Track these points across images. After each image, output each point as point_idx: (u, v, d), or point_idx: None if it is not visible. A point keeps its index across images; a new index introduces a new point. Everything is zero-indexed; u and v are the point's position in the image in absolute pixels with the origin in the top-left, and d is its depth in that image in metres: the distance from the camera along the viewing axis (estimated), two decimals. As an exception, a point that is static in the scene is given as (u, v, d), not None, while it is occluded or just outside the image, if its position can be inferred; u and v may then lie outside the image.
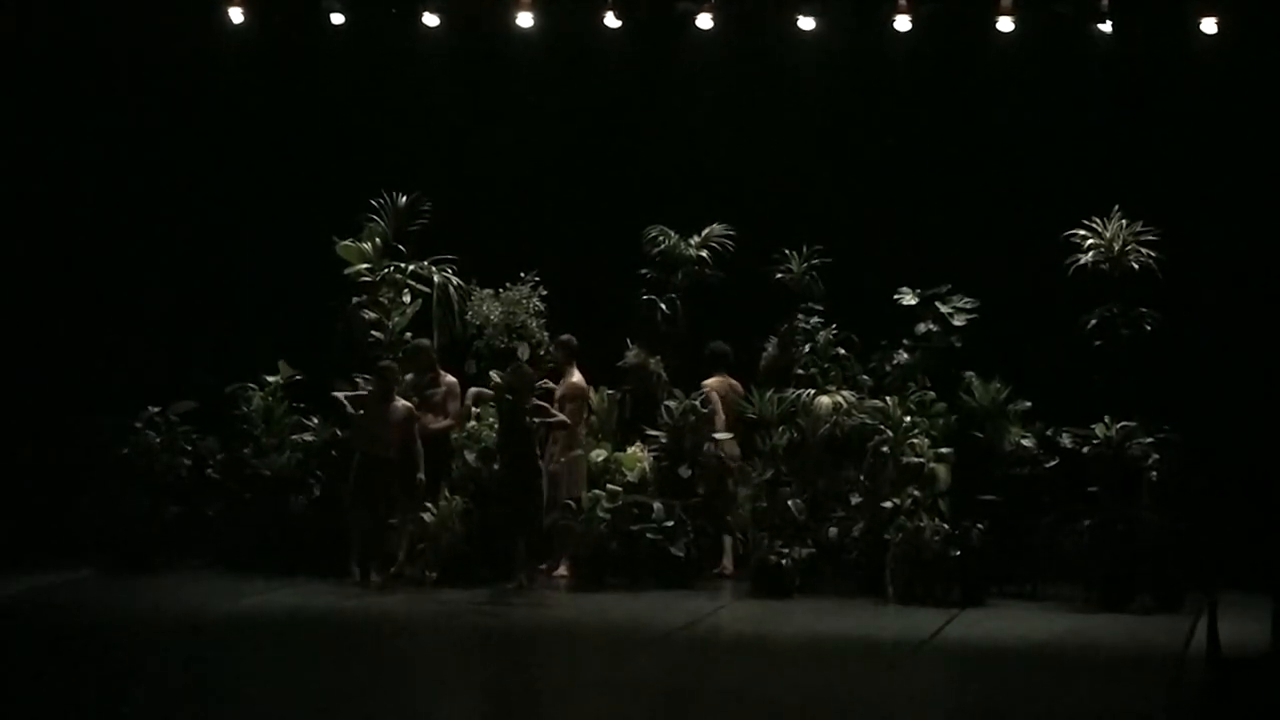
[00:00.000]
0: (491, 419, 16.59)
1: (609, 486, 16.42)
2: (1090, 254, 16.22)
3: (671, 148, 18.57)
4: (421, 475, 16.32)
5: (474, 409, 16.81)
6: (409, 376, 16.82)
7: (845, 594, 15.93)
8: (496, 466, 16.25)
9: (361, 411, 16.32)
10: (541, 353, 17.06)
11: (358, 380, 16.64)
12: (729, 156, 18.42)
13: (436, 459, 16.60)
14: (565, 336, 17.02)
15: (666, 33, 18.33)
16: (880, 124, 18.30)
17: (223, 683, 12.65)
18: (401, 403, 16.43)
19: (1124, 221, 16.25)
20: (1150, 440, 15.74)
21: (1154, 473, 15.69)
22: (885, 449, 16.05)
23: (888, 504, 15.84)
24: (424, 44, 18.66)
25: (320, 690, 12.44)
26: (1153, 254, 16.14)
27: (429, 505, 16.36)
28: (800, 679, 13.13)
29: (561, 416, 16.26)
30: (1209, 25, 17.09)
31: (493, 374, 16.59)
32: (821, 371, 16.75)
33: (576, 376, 16.85)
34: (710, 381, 16.99)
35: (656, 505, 16.37)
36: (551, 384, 16.54)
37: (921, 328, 16.74)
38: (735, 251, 17.40)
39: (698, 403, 16.70)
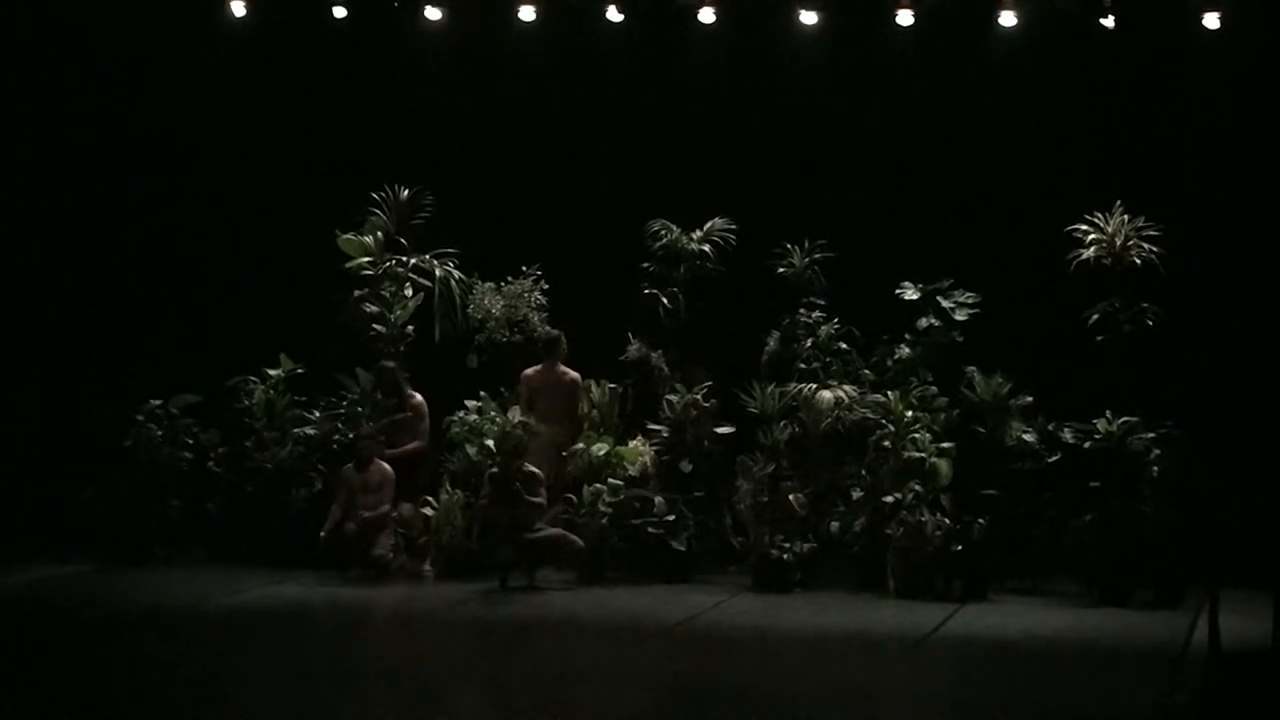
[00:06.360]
0: (494, 412, 16.58)
1: (610, 481, 16.42)
2: (1092, 249, 16.20)
3: (674, 142, 18.55)
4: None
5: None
6: (377, 395, 16.90)
7: (846, 588, 15.93)
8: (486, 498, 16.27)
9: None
10: (540, 345, 17.16)
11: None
12: (731, 150, 18.40)
13: (408, 481, 16.73)
14: (551, 331, 17.13)
15: (668, 27, 18.31)
16: (882, 118, 18.27)
17: (223, 675, 12.65)
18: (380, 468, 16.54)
19: (1126, 216, 16.23)
20: (1152, 435, 15.73)
21: (1155, 468, 15.68)
22: (887, 444, 16.05)
23: (889, 499, 15.83)
24: (426, 38, 18.67)
25: (321, 681, 12.44)
26: (1155, 249, 16.12)
27: (430, 499, 16.39)
28: (800, 673, 13.12)
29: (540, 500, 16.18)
30: (1212, 20, 17.07)
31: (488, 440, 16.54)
32: (823, 366, 16.75)
33: (533, 369, 17.00)
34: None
35: (658, 499, 16.37)
36: (537, 470, 16.32)
37: (923, 322, 16.74)
38: (737, 245, 17.38)
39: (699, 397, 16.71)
